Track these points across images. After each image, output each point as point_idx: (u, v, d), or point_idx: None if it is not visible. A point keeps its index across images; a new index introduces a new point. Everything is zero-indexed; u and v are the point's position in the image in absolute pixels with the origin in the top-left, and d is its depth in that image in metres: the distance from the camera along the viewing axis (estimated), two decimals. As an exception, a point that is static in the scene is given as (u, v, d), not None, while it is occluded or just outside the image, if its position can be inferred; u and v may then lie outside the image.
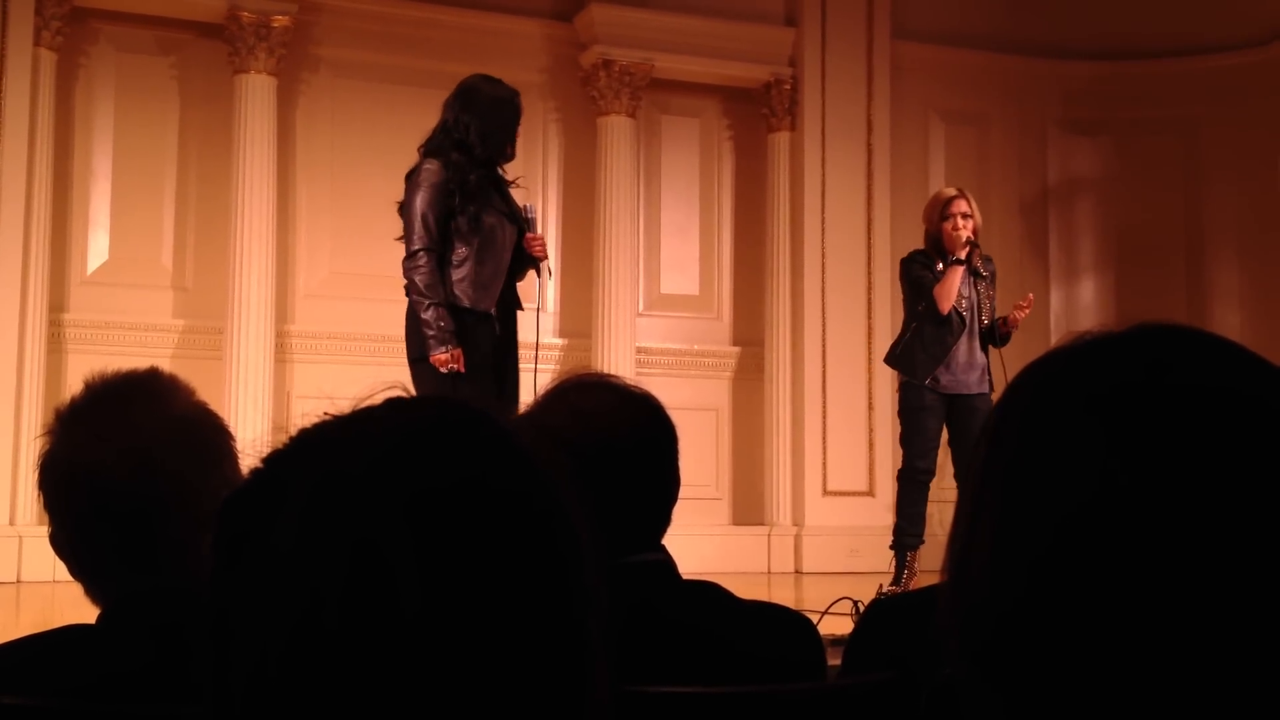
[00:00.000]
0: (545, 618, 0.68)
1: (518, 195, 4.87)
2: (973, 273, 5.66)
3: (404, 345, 4.72)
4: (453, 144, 4.63)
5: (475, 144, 4.62)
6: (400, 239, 4.70)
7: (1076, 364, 0.70)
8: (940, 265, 5.64)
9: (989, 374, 5.69)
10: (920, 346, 5.64)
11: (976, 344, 5.67)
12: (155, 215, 7.17)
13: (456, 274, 4.58)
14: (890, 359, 5.87)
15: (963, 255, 5.57)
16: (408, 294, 4.66)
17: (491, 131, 4.66)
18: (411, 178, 4.67)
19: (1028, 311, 5.68)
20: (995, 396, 5.76)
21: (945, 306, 5.59)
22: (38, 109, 6.69)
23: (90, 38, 7.12)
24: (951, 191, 5.76)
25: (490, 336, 4.63)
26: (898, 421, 5.85)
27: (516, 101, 4.79)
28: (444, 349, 4.47)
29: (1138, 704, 0.63)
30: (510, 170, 4.87)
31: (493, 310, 4.63)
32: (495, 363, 4.64)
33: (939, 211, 5.67)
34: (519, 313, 4.86)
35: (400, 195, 4.74)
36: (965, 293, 5.65)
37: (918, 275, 5.72)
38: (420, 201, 4.56)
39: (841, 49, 8.14)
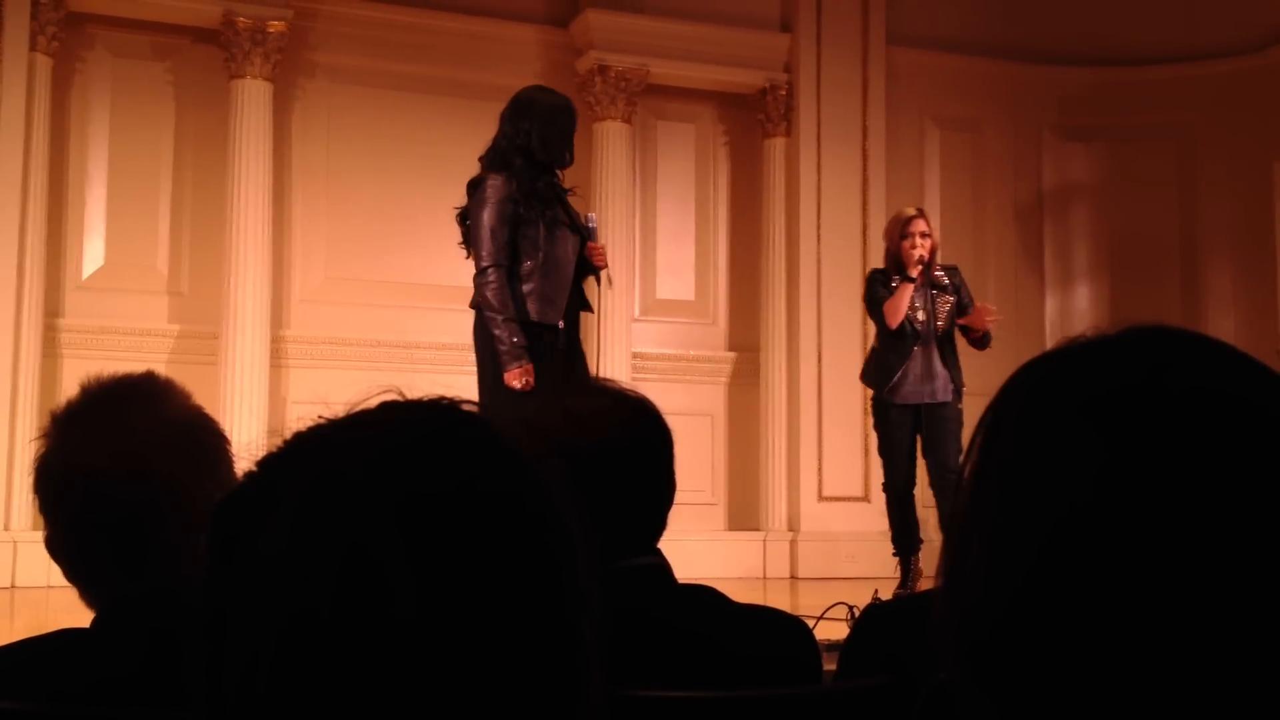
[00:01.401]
0: (538, 620, 0.68)
1: (576, 204, 4.88)
2: (930, 285, 5.83)
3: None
4: (516, 151, 4.64)
5: (537, 149, 4.64)
6: (461, 244, 4.73)
7: (1070, 366, 0.70)
8: (895, 281, 5.86)
9: (954, 382, 5.82)
10: (877, 360, 5.93)
11: (935, 353, 5.82)
12: (150, 220, 7.17)
13: (524, 288, 4.60)
14: (861, 373, 6.23)
15: (914, 274, 5.77)
16: (475, 308, 4.68)
17: (551, 138, 4.68)
18: (477, 188, 4.67)
19: (994, 319, 5.83)
20: (966, 404, 5.85)
21: (892, 322, 5.82)
22: (33, 114, 6.68)
23: (86, 43, 7.12)
24: (911, 211, 5.94)
25: (554, 349, 4.63)
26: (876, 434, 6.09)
27: (572, 108, 4.82)
28: (517, 365, 4.47)
29: (1132, 709, 0.63)
30: (565, 179, 4.90)
31: (560, 324, 4.63)
32: (561, 371, 4.63)
33: (899, 230, 5.86)
34: (584, 314, 4.88)
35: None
36: (921, 304, 5.82)
37: (872, 293, 5.97)
38: (488, 216, 4.58)
39: (836, 55, 8.15)
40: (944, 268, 5.92)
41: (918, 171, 8.53)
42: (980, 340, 5.86)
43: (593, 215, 4.83)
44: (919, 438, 5.86)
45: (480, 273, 4.58)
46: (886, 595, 5.62)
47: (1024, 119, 8.84)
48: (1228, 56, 8.45)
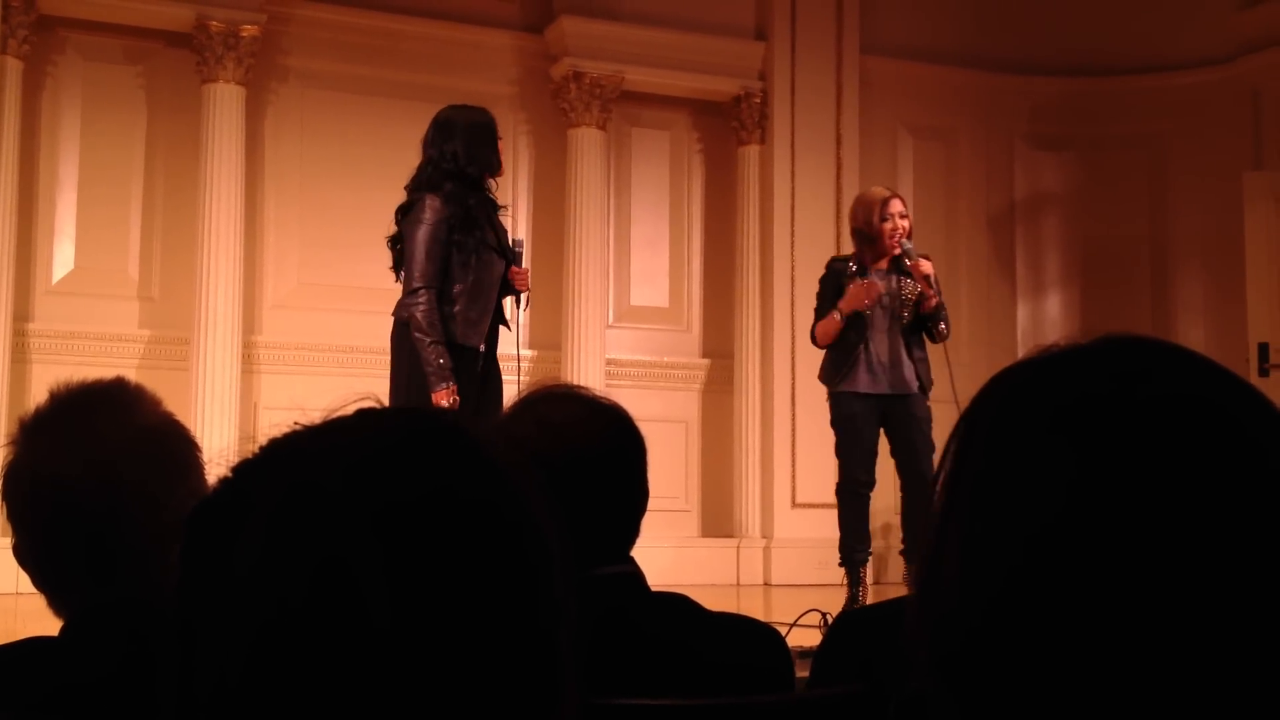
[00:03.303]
0: (514, 630, 0.67)
1: (504, 222, 4.97)
2: (899, 269, 5.48)
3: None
4: (444, 175, 4.74)
5: (465, 166, 4.74)
6: (392, 269, 4.87)
7: (1043, 375, 0.71)
8: (854, 267, 5.54)
9: (920, 377, 5.45)
10: (830, 354, 5.57)
11: (900, 340, 5.45)
12: (122, 225, 7.12)
13: (451, 309, 4.72)
14: (819, 372, 5.74)
15: (885, 266, 5.49)
16: (395, 316, 4.80)
17: (476, 151, 4.78)
18: (408, 213, 4.77)
19: (931, 284, 5.43)
20: (936, 413, 5.38)
21: (820, 344, 5.56)
22: (3, 118, 6.63)
23: (57, 46, 7.07)
24: (884, 191, 5.64)
25: (472, 371, 4.74)
26: (833, 432, 5.65)
27: (490, 118, 4.93)
28: (444, 387, 4.59)
29: (1105, 717, 0.63)
30: (499, 192, 4.98)
31: (481, 347, 4.76)
32: (476, 392, 4.75)
33: (876, 212, 5.50)
34: (501, 329, 4.98)
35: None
36: (886, 289, 5.47)
37: (824, 292, 5.63)
38: (423, 236, 4.68)
39: (811, 63, 8.17)
40: (919, 255, 5.52)
41: (891, 180, 8.53)
42: (931, 317, 5.44)
43: (519, 239, 4.93)
44: (883, 435, 5.49)
45: (412, 293, 4.69)
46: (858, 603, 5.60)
47: (996, 128, 8.88)
48: (1198, 67, 8.52)
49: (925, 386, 5.48)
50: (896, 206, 5.52)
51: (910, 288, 5.48)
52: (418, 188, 4.78)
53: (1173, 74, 8.56)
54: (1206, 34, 8.49)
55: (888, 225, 5.48)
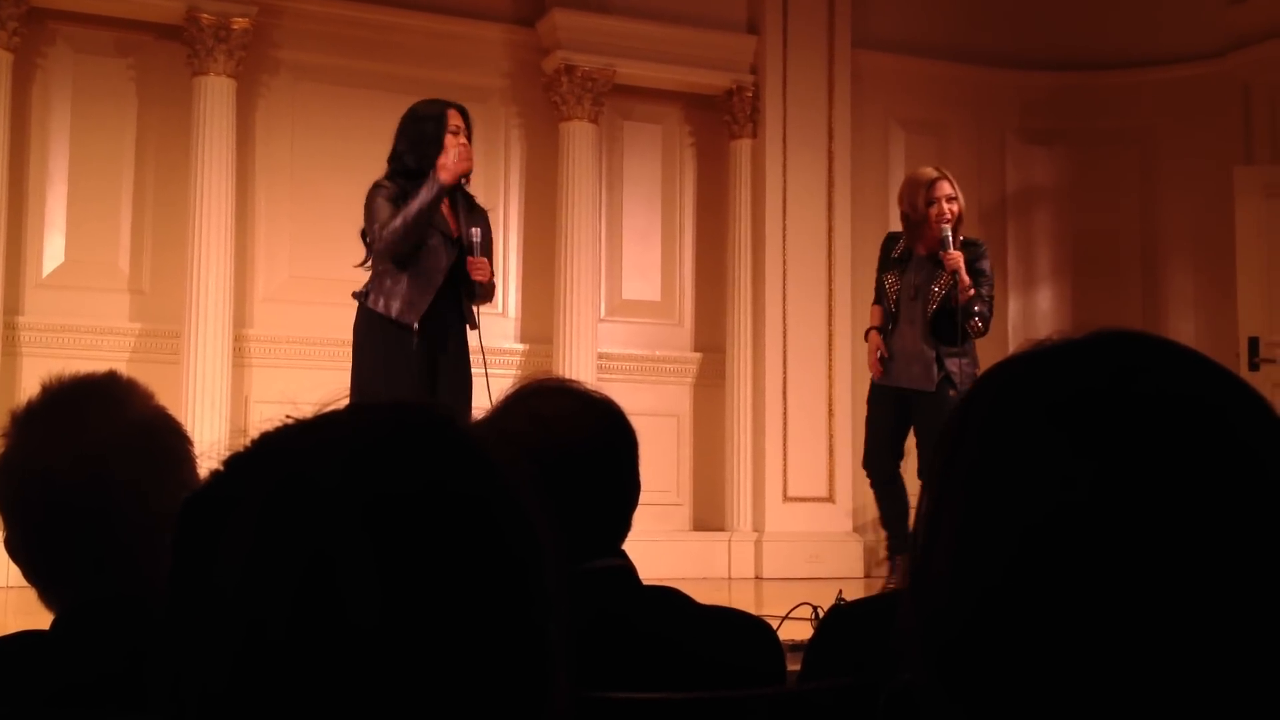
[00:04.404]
0: (505, 624, 0.67)
1: (477, 218, 5.11)
2: (935, 261, 5.35)
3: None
4: (395, 171, 5.02)
5: (403, 155, 4.99)
6: (362, 265, 5.05)
7: (1038, 370, 0.71)
8: (897, 253, 5.50)
9: (943, 369, 5.30)
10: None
11: (920, 333, 5.32)
12: (112, 218, 7.10)
13: (391, 285, 4.87)
14: None
15: (929, 250, 5.37)
16: (357, 298, 4.97)
17: (414, 143, 4.99)
18: (368, 195, 5.02)
19: (957, 278, 5.27)
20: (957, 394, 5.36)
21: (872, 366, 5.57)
22: (-7, 110, 6.61)
23: (47, 38, 7.04)
24: (933, 172, 5.45)
25: (408, 350, 4.83)
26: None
27: (438, 110, 5.07)
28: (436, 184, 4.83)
29: (1099, 712, 0.64)
30: (479, 195, 5.16)
31: (415, 324, 4.85)
32: (419, 375, 4.84)
33: (923, 195, 5.36)
34: (471, 330, 5.06)
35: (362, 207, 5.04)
36: (917, 280, 5.37)
37: (879, 268, 5.67)
38: (381, 202, 4.93)
39: (803, 57, 8.17)
40: (966, 241, 5.36)
41: (883, 173, 8.56)
42: (964, 312, 5.26)
43: (475, 231, 5.05)
44: (912, 429, 5.42)
45: (381, 232, 4.84)
46: (851, 596, 5.60)
47: (988, 122, 8.89)
48: (1189, 62, 8.53)
49: (955, 382, 5.27)
50: (944, 189, 5.34)
51: (942, 279, 5.33)
52: (385, 176, 5.05)
53: (1164, 68, 8.57)
54: (1197, 28, 8.50)
55: (934, 209, 5.32)
